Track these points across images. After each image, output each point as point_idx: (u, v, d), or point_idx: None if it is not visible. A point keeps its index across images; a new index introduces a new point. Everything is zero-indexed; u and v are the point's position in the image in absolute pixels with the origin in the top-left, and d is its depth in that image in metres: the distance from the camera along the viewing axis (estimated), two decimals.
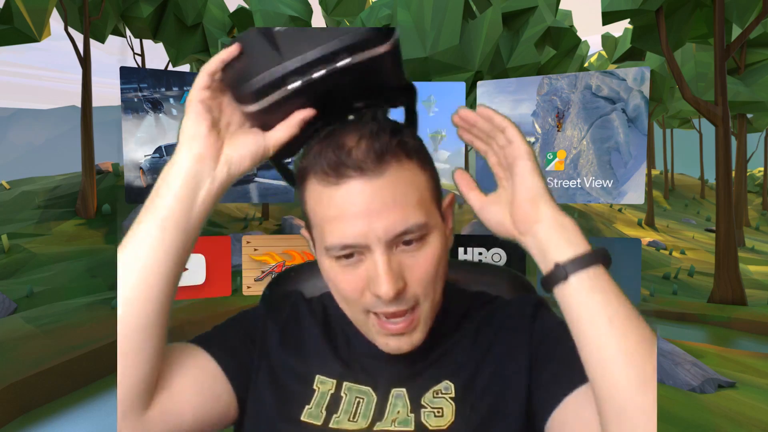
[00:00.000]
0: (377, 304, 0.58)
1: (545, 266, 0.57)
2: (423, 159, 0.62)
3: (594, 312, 0.52)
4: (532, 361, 0.63)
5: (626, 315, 0.51)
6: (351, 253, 0.58)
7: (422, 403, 0.63)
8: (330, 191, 0.58)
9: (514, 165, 0.59)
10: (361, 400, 0.64)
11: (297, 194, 0.64)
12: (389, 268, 0.56)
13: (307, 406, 0.64)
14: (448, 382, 0.64)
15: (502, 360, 0.64)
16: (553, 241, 0.56)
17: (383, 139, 0.57)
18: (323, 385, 0.65)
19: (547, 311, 0.68)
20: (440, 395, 0.63)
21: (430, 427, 0.61)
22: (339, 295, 0.62)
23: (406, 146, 0.59)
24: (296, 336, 0.70)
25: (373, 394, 0.64)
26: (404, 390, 0.64)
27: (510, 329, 0.66)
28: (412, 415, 0.62)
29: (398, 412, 0.63)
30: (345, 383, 0.65)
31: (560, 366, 0.60)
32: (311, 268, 0.86)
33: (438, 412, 0.62)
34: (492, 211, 0.61)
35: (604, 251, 0.55)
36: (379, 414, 0.63)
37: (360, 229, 0.56)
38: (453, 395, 0.63)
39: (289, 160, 0.68)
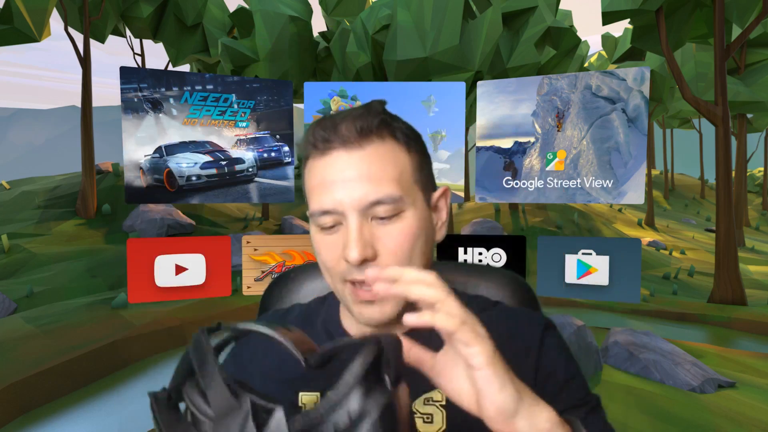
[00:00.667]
0: (350, 270, 0.60)
1: None
2: (411, 143, 0.65)
3: None
4: (534, 385, 0.63)
5: None
6: (330, 222, 0.61)
7: (412, 409, 0.63)
8: (316, 162, 0.62)
9: (471, 373, 0.49)
10: None
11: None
12: (359, 234, 0.59)
13: None
14: (438, 391, 0.64)
15: None
16: None
17: (368, 118, 0.61)
18: (308, 399, 0.66)
19: (555, 338, 0.67)
20: (431, 402, 0.63)
21: None
22: (322, 265, 0.65)
23: (390, 126, 0.63)
24: (273, 359, 0.70)
25: None
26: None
27: (514, 344, 0.65)
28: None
29: None
30: (329, 392, 0.64)
31: (562, 395, 0.62)
32: (306, 271, 0.86)
33: (428, 418, 0.63)
34: (450, 377, 0.52)
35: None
36: None
37: (336, 196, 0.60)
38: (443, 402, 0.63)
39: None
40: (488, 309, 0.71)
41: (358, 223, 0.59)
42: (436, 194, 0.68)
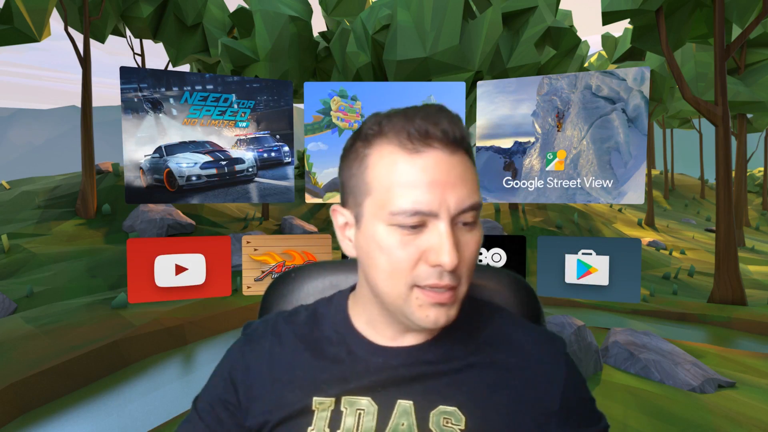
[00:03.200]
0: (430, 275, 0.59)
1: None
2: (472, 156, 0.66)
3: None
4: (558, 412, 0.64)
5: None
6: (416, 222, 0.58)
7: (430, 427, 0.62)
8: (410, 157, 0.59)
9: None
10: (362, 412, 0.63)
11: (347, 162, 0.64)
12: (454, 239, 0.59)
13: (309, 428, 0.63)
14: (458, 411, 0.63)
15: (520, 405, 0.64)
16: None
17: (460, 125, 0.61)
18: (321, 405, 0.65)
19: (573, 364, 0.68)
20: (450, 424, 0.62)
21: None
22: (387, 266, 0.60)
23: (467, 141, 0.63)
24: (284, 364, 0.69)
25: (373, 404, 0.64)
26: (411, 403, 0.63)
27: (540, 369, 0.66)
28: None
29: (403, 425, 0.62)
30: (344, 398, 0.65)
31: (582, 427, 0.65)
32: (307, 270, 0.86)
33: None
34: None
35: None
36: (382, 423, 0.62)
37: (434, 197, 0.58)
38: (463, 427, 0.62)
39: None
40: (500, 315, 0.71)
41: (450, 227, 0.58)
42: None
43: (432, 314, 0.60)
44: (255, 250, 2.65)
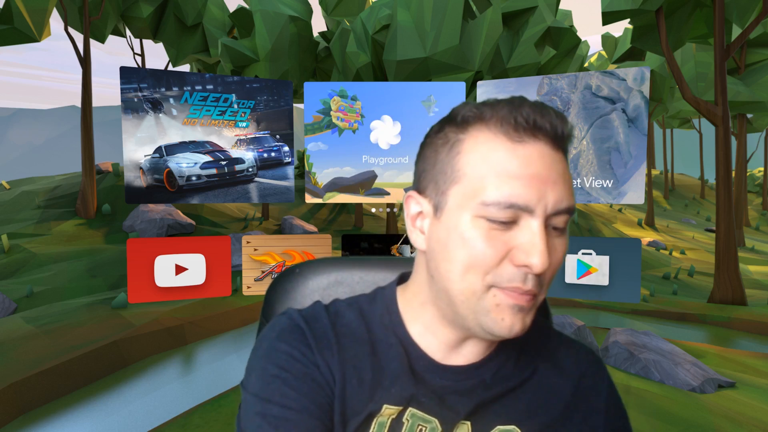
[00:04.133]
0: (514, 277, 0.54)
1: None
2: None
3: None
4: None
5: None
6: (508, 217, 0.53)
7: None
8: (511, 145, 0.54)
9: None
10: (423, 428, 0.60)
11: (432, 147, 0.59)
12: (548, 241, 0.54)
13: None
14: (517, 430, 0.61)
15: (570, 419, 0.64)
16: None
17: (568, 122, 0.56)
18: (388, 411, 0.60)
19: (616, 391, 0.68)
20: None
21: None
22: (466, 260, 0.55)
23: (569, 142, 0.58)
24: (352, 365, 0.62)
25: (439, 426, 0.60)
26: (469, 424, 0.61)
27: (585, 402, 0.66)
28: None
29: None
30: (409, 409, 0.61)
31: None
32: (311, 267, 0.86)
33: None
34: None
35: None
36: None
37: (533, 191, 0.53)
38: None
39: None
40: (546, 333, 0.69)
41: (544, 228, 0.53)
42: None
43: (508, 319, 0.55)
44: (255, 250, 2.65)
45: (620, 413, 0.66)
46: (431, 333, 0.62)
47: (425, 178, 0.60)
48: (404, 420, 0.60)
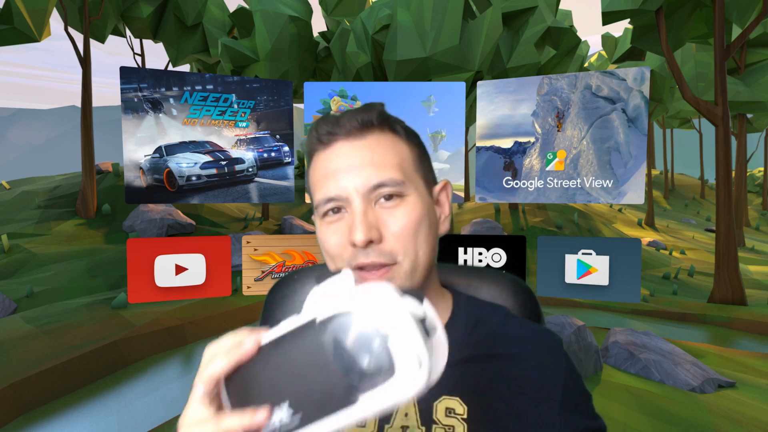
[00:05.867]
0: (356, 255, 0.61)
1: None
2: (409, 137, 0.68)
3: None
4: (560, 409, 0.64)
5: None
6: (336, 207, 0.63)
7: (434, 418, 0.63)
8: (320, 155, 0.65)
9: None
10: None
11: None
12: (364, 216, 0.61)
13: None
14: (460, 401, 0.63)
15: (520, 394, 0.64)
16: None
17: (368, 113, 0.64)
18: None
19: (576, 370, 0.68)
20: (453, 414, 0.63)
21: None
22: (327, 254, 0.65)
23: (388, 119, 0.66)
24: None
25: None
26: None
27: (533, 369, 0.66)
28: (423, 428, 0.63)
29: (406, 415, 0.63)
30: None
31: (584, 419, 0.64)
32: (310, 272, 0.86)
33: (449, 429, 0.63)
34: None
35: None
36: (386, 417, 0.63)
37: (341, 183, 0.62)
38: (465, 417, 0.63)
39: None
40: (498, 312, 0.71)
41: (362, 206, 0.61)
42: (437, 187, 0.70)
43: None
44: (255, 250, 2.65)
45: (578, 402, 0.65)
46: None
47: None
48: None
